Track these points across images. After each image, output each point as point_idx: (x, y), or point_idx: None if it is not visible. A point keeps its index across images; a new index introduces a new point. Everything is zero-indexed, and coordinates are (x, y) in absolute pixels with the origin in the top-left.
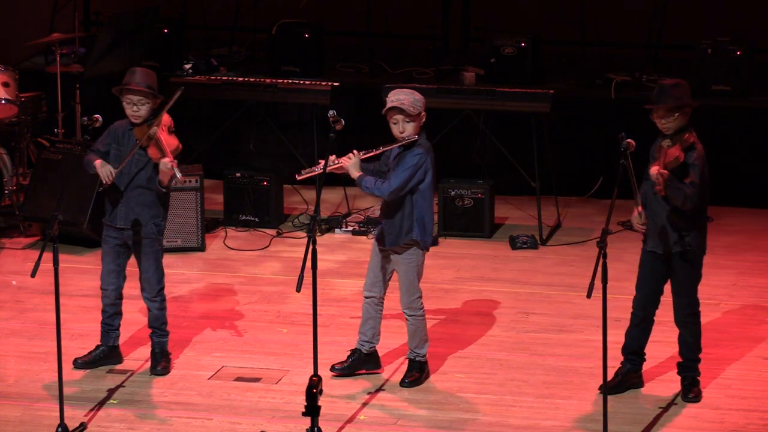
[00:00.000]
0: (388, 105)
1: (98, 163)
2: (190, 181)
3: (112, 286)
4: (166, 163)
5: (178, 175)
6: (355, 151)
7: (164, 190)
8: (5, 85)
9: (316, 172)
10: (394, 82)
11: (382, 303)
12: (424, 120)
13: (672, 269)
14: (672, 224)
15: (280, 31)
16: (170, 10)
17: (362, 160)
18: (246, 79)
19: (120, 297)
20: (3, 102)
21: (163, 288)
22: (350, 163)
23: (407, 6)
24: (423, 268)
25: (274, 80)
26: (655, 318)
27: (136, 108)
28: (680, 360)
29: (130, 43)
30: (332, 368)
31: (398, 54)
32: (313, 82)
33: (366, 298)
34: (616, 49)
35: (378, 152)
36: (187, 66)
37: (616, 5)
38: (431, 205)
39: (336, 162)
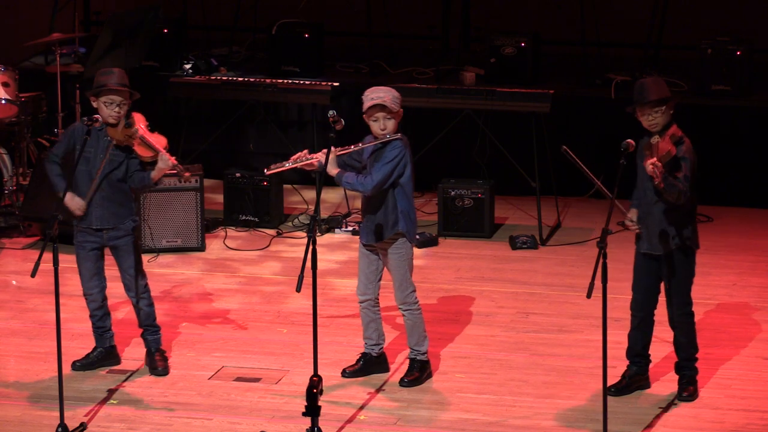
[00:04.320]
0: (370, 103)
1: (67, 197)
2: (190, 181)
3: (96, 288)
4: (167, 160)
5: (181, 171)
6: (332, 148)
7: (152, 185)
8: (5, 85)
9: (285, 167)
10: (394, 82)
11: (378, 303)
12: (401, 116)
13: (668, 268)
14: (667, 222)
15: (280, 31)
16: (170, 10)
17: (338, 157)
18: (246, 79)
19: (105, 297)
20: (3, 102)
21: (147, 283)
22: (324, 159)
23: (407, 6)
24: (413, 262)
25: (274, 80)
26: (654, 318)
27: (117, 108)
28: (677, 360)
29: (130, 43)
30: (343, 372)
31: (398, 54)
32: (313, 82)
33: (361, 302)
34: (616, 49)
35: (356, 149)
36: (187, 66)
37: (616, 5)
38: (412, 198)
39: (310, 157)
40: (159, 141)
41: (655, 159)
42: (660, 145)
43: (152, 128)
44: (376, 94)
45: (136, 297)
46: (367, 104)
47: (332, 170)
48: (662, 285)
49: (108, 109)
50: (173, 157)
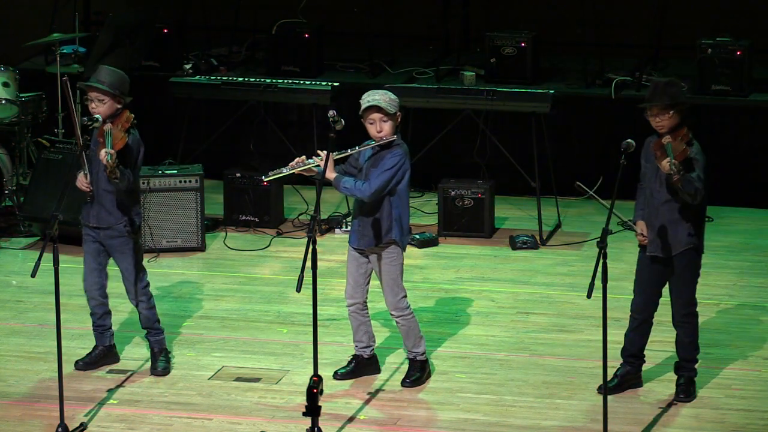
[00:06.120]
0: (365, 105)
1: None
2: (189, 181)
3: (95, 285)
4: (100, 154)
5: (106, 160)
6: (330, 153)
7: (117, 183)
8: (5, 85)
9: (283, 174)
10: (394, 82)
11: (367, 306)
12: (399, 120)
13: (673, 270)
14: (676, 223)
15: (280, 31)
16: (170, 10)
17: (335, 161)
18: (246, 79)
19: (106, 296)
20: (3, 102)
21: (146, 286)
22: (323, 164)
23: (407, 6)
24: (403, 267)
25: (274, 80)
26: (653, 320)
27: (94, 105)
28: (677, 360)
29: (130, 43)
30: (335, 375)
31: (398, 54)
32: (313, 82)
33: (350, 306)
34: (616, 49)
35: (353, 153)
36: (187, 66)
37: (616, 5)
38: (408, 205)
39: (308, 163)
40: (115, 137)
41: (668, 159)
42: (674, 145)
43: (139, 125)
44: (372, 97)
45: (135, 300)
46: (363, 107)
47: (330, 174)
48: (665, 287)
49: (89, 105)
50: (111, 151)
